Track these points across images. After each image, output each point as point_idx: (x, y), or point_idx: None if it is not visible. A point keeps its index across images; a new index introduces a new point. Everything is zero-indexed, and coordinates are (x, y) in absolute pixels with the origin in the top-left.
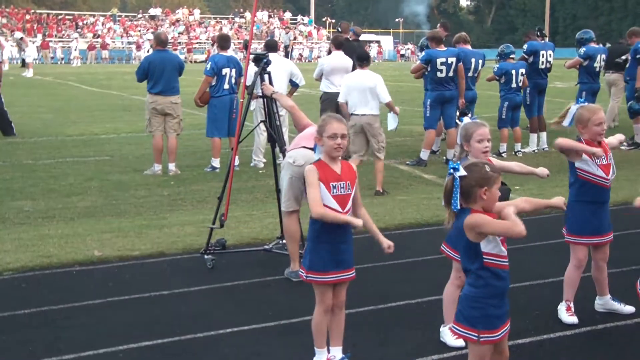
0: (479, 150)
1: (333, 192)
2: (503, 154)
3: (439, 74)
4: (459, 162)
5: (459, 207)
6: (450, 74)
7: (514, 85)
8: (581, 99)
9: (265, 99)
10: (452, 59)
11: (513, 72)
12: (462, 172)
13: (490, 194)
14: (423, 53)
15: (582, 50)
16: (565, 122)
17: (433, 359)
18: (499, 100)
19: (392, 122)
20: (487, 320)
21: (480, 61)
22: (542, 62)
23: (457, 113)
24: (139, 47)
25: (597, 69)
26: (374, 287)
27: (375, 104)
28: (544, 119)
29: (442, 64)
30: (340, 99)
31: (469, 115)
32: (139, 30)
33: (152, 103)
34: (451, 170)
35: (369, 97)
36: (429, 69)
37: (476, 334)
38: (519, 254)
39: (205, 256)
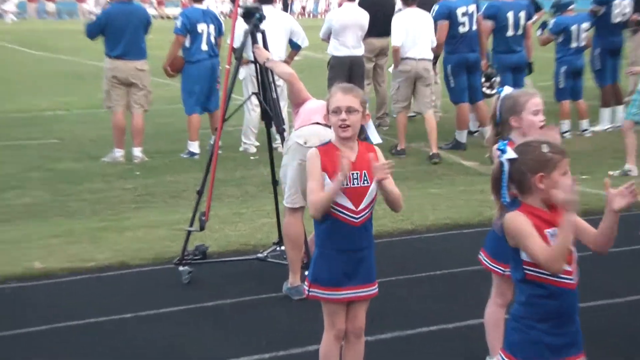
0: (536, 125)
1: (345, 185)
2: (566, 134)
3: (461, 29)
4: (505, 142)
5: (508, 199)
6: (475, 27)
7: (573, 44)
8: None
9: (258, 65)
10: (472, 7)
11: (573, 28)
12: (510, 153)
13: (551, 182)
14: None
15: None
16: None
17: None
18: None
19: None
20: (531, 349)
21: (522, 14)
22: (617, 15)
23: (482, 79)
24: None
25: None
26: (399, 307)
27: (430, 48)
28: (620, 87)
29: (463, 15)
30: (396, 42)
31: (497, 78)
32: None
33: (111, 70)
34: (498, 153)
35: (425, 38)
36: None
37: None
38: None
39: (181, 268)
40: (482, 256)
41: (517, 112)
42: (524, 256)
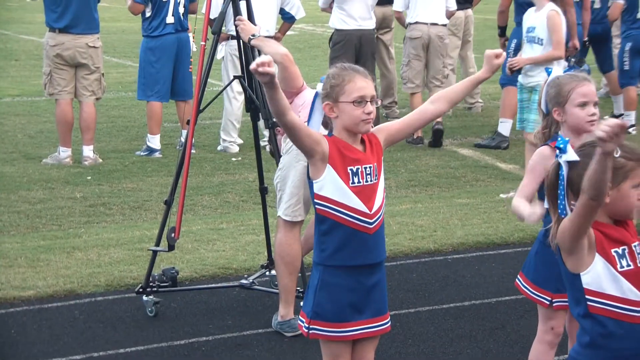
0: (582, 119)
1: (353, 182)
2: (631, 130)
3: None
4: (567, 139)
5: (567, 210)
6: None
7: None
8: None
9: (242, 42)
10: None
11: None
12: (571, 154)
13: (619, 194)
14: None
15: None
16: None
17: None
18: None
19: None
20: None
21: None
22: None
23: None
24: None
25: None
26: (419, 346)
27: (444, 12)
28: None
29: None
30: (397, 6)
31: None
32: None
33: (55, 47)
34: (556, 153)
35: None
36: None
37: None
38: None
39: (145, 297)
40: (522, 283)
41: (560, 103)
42: (586, 282)
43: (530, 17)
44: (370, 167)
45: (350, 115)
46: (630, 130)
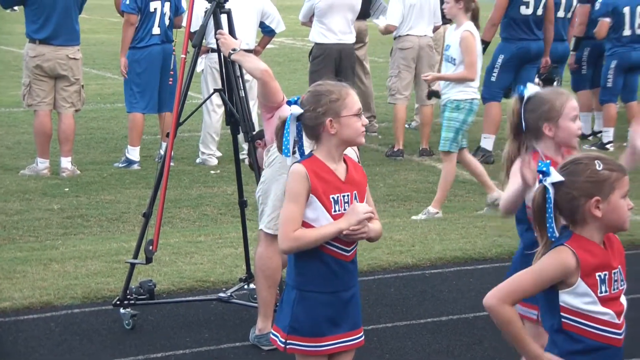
0: (573, 133)
1: (335, 211)
2: (608, 146)
3: (523, 10)
4: (547, 162)
5: (556, 233)
6: (540, 12)
7: (627, 32)
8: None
9: (221, 55)
10: None
11: (626, 10)
12: (555, 176)
13: (610, 206)
14: None
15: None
16: None
17: None
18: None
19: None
20: None
21: None
22: None
23: (537, 79)
24: None
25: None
26: (394, 359)
27: (432, 25)
28: None
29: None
30: (393, 20)
31: (557, 81)
32: None
33: (35, 58)
34: (539, 176)
35: (430, 14)
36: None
37: None
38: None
39: (122, 310)
40: None
41: (554, 118)
42: (563, 301)
43: (450, 35)
44: (348, 195)
45: (353, 128)
46: (607, 146)
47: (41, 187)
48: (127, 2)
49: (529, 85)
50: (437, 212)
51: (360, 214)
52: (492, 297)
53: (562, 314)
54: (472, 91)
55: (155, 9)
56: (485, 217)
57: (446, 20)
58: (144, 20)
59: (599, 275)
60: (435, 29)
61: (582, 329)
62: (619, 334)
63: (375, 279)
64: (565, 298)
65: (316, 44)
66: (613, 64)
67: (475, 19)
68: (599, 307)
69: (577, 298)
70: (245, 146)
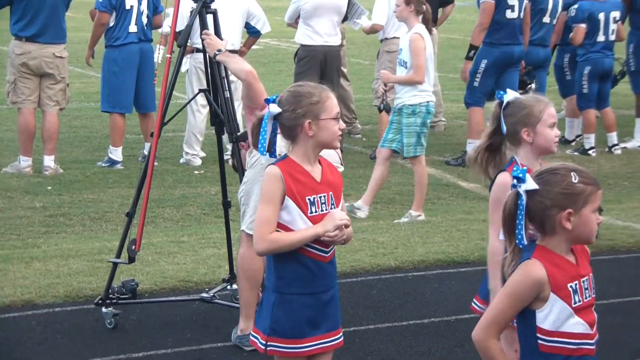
0: (551, 140)
1: (311, 212)
2: (590, 152)
3: (509, 14)
4: (524, 168)
5: (525, 241)
6: (523, 15)
7: (601, 38)
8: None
9: (207, 56)
10: None
11: (600, 16)
12: (531, 184)
13: (581, 220)
14: None
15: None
16: None
17: None
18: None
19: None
20: None
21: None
22: None
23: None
24: None
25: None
26: None
27: None
28: None
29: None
30: (379, 20)
31: (532, 85)
32: None
33: (21, 55)
34: (514, 182)
35: None
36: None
37: None
38: (615, 313)
39: (104, 309)
40: (478, 305)
41: (532, 123)
42: (540, 321)
43: (402, 38)
44: (324, 196)
45: (331, 132)
46: (589, 152)
47: (24, 185)
48: (101, 1)
49: (509, 90)
50: (420, 215)
51: (337, 220)
52: (478, 331)
53: (538, 335)
54: (426, 94)
55: (131, 6)
56: (468, 220)
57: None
58: (119, 17)
59: (571, 286)
60: None
61: (558, 347)
62: (592, 344)
63: (357, 280)
64: (542, 317)
65: (302, 45)
66: (586, 70)
67: (427, 22)
68: (574, 319)
69: (553, 314)
70: (229, 147)
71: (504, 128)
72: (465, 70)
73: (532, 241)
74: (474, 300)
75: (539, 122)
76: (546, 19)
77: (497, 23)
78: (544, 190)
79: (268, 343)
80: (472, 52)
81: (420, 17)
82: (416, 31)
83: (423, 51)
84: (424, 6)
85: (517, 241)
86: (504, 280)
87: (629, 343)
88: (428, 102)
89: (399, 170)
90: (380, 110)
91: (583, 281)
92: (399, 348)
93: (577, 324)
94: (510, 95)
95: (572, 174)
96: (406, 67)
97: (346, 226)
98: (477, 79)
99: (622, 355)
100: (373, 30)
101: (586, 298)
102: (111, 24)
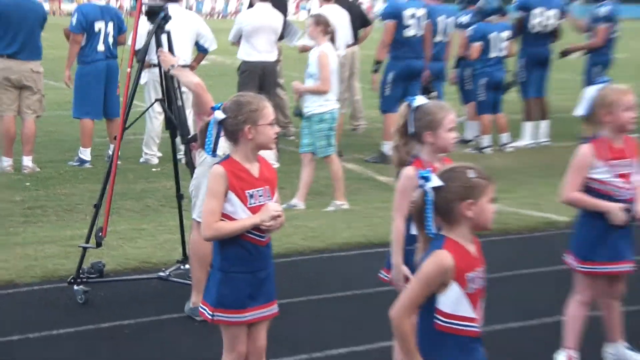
0: (450, 143)
1: (251, 203)
2: (484, 150)
3: (407, 33)
4: (428, 169)
5: (434, 230)
6: (420, 33)
7: (493, 54)
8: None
9: (162, 70)
10: (422, 12)
11: (492, 36)
12: (435, 181)
13: (478, 208)
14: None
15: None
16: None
17: None
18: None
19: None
20: None
21: (450, 20)
22: (535, 25)
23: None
24: None
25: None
26: (309, 328)
27: (345, 46)
28: (546, 102)
29: (412, 17)
30: (309, 42)
31: (434, 93)
32: None
33: (3, 70)
34: (421, 181)
35: (343, 35)
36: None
37: None
38: (506, 284)
39: (75, 287)
40: (384, 274)
41: (434, 127)
42: (439, 302)
43: (311, 54)
44: (262, 190)
45: (267, 135)
46: (483, 151)
47: (5, 182)
48: (74, 24)
49: (418, 97)
50: (343, 204)
51: (271, 211)
52: (395, 311)
53: (436, 315)
54: (330, 103)
55: (99, 29)
56: (385, 208)
57: (355, 41)
58: (89, 39)
59: (468, 275)
60: (348, 46)
61: (451, 327)
62: (478, 327)
63: (291, 260)
64: (442, 300)
65: (243, 61)
66: (482, 81)
67: (332, 40)
68: (467, 303)
69: (451, 298)
70: (182, 148)
71: (411, 129)
72: (375, 81)
73: (439, 229)
74: (381, 270)
75: (440, 127)
76: (438, 37)
77: (398, 41)
78: (448, 186)
79: (215, 314)
80: (377, 66)
81: (328, 36)
82: (323, 49)
83: (328, 65)
84: (329, 27)
85: (426, 231)
86: (410, 263)
87: (518, 308)
88: (332, 109)
89: (325, 167)
90: (295, 115)
91: (478, 271)
92: (329, 315)
93: (468, 309)
94: (419, 101)
95: (469, 171)
96: (314, 79)
97: (279, 216)
98: (387, 88)
99: (516, 316)
100: (304, 49)
101: (479, 286)
102: (83, 44)
